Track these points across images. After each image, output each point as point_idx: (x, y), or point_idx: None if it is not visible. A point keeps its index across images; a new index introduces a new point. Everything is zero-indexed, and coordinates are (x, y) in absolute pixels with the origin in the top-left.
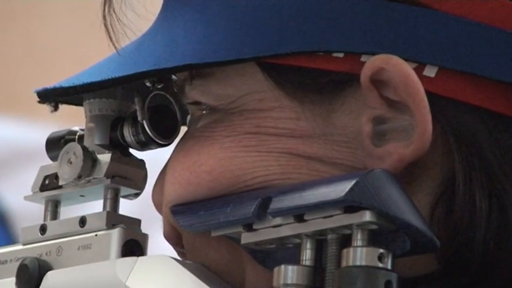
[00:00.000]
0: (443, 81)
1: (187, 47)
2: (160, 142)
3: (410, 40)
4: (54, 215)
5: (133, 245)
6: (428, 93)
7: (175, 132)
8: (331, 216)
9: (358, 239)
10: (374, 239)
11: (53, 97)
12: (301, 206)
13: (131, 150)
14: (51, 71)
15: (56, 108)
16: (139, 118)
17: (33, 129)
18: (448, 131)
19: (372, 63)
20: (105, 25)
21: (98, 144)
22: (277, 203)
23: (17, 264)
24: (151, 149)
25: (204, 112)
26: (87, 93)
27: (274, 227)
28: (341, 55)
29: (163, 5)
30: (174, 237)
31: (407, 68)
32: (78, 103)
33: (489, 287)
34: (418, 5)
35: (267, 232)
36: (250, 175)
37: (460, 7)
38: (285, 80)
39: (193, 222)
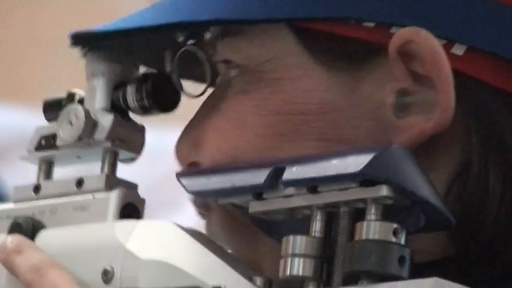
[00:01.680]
0: (470, 61)
1: (222, 3)
2: (162, 109)
3: (441, 17)
4: (48, 175)
5: (131, 209)
6: (455, 71)
7: (178, 101)
8: (346, 189)
9: (372, 213)
10: (388, 214)
11: (86, 41)
12: (316, 178)
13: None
14: (55, 60)
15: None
16: (167, 70)
17: (36, 116)
18: (469, 110)
19: (401, 34)
20: None
21: (99, 108)
22: (291, 174)
23: (8, 222)
24: (153, 114)
25: (233, 74)
26: (118, 39)
27: (285, 197)
28: (371, 25)
29: None
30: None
31: (435, 43)
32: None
33: (500, 268)
34: None
35: (278, 202)
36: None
37: None
38: (316, 46)
39: (201, 188)
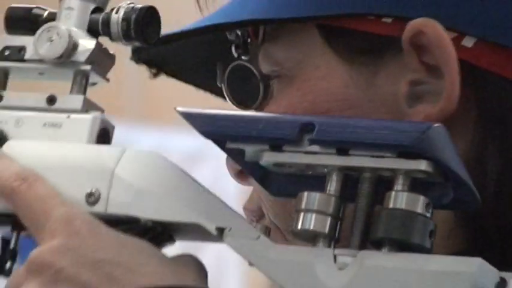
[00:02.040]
0: (480, 52)
1: (257, 9)
2: (144, 40)
3: (453, 11)
4: (4, 86)
5: (105, 134)
6: (465, 62)
7: (158, 35)
8: (382, 157)
9: (400, 183)
10: (414, 186)
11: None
12: (354, 142)
13: None
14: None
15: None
16: (218, 82)
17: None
18: (478, 99)
19: (411, 25)
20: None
21: (76, 30)
22: (323, 132)
23: None
24: (133, 44)
25: (271, 78)
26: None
27: (307, 153)
28: (389, 20)
29: None
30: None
31: (442, 32)
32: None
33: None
34: None
35: (297, 156)
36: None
37: None
38: (338, 42)
39: (211, 129)
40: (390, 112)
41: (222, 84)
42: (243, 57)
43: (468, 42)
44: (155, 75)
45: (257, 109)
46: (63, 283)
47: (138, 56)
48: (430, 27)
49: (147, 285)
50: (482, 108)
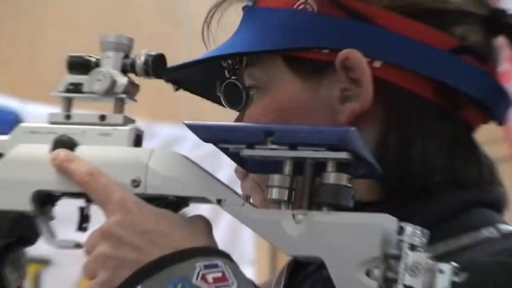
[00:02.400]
0: (385, 71)
1: (241, 45)
2: (156, 76)
3: (365, 44)
4: (70, 109)
5: (138, 139)
6: (376, 77)
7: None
8: (318, 150)
9: (331, 166)
10: (341, 166)
11: (166, 73)
12: (300, 142)
13: None
14: None
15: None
16: (217, 93)
17: None
18: (385, 101)
19: (341, 54)
20: (203, 35)
21: (114, 71)
22: (280, 137)
23: (47, 136)
24: (150, 78)
25: (251, 93)
26: (183, 69)
27: (271, 149)
28: (327, 51)
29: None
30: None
31: (360, 57)
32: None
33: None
34: (372, 23)
35: (263, 151)
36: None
37: (396, 25)
38: (295, 65)
39: (209, 135)
40: (328, 109)
41: (220, 94)
42: (232, 77)
43: (377, 64)
44: (176, 89)
45: (242, 110)
46: (123, 246)
47: (166, 78)
48: (353, 54)
49: (178, 247)
50: (387, 107)
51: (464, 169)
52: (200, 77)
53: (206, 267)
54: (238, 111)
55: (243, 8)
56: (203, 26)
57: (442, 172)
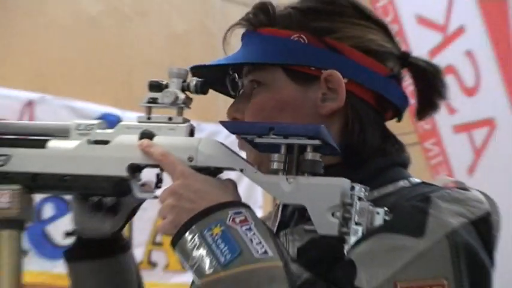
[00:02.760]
0: (349, 85)
1: (249, 55)
2: (203, 93)
3: (338, 67)
4: (150, 113)
5: (192, 132)
6: (347, 90)
7: (207, 91)
8: (300, 138)
9: (309, 149)
10: (316, 148)
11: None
12: (293, 134)
13: None
14: None
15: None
16: (229, 91)
17: None
18: (350, 104)
19: (326, 72)
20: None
21: (177, 90)
22: (278, 131)
23: (136, 130)
24: (198, 94)
25: (254, 87)
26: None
27: (273, 138)
28: (313, 68)
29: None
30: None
31: (338, 75)
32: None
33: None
34: (342, 55)
35: (269, 140)
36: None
37: (357, 57)
38: (291, 74)
39: (235, 130)
40: (312, 106)
41: (232, 91)
42: (239, 78)
43: (345, 80)
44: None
45: (238, 95)
46: (183, 200)
47: (193, 73)
48: (335, 73)
49: (217, 201)
50: (350, 108)
51: (387, 145)
52: (218, 79)
53: (235, 213)
54: (234, 96)
55: (246, 32)
56: (223, 41)
57: (377, 147)
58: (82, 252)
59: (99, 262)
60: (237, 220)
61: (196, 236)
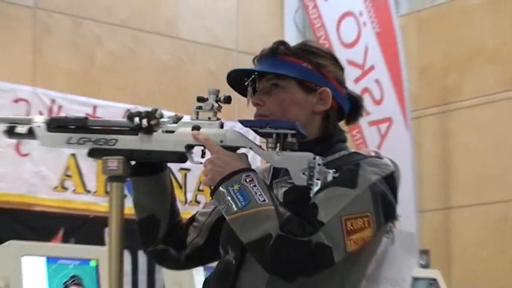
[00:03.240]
0: (331, 99)
1: (277, 69)
2: (228, 103)
3: (327, 86)
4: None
5: (222, 126)
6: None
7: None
8: (285, 129)
9: (289, 135)
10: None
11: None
12: (280, 127)
13: None
14: None
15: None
16: (251, 92)
17: None
18: (329, 109)
19: (322, 88)
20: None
21: (212, 102)
22: (272, 125)
23: (190, 125)
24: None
25: (273, 88)
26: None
27: (268, 129)
28: (314, 84)
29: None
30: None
31: (329, 92)
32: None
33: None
34: (328, 79)
35: (266, 130)
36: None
37: (334, 82)
38: (301, 85)
39: (247, 124)
40: (310, 105)
41: (250, 88)
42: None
43: (331, 98)
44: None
45: (254, 94)
46: (217, 166)
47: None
48: (327, 90)
49: (237, 167)
50: (330, 110)
51: (338, 130)
52: (241, 83)
53: (246, 176)
54: (245, 95)
55: (266, 57)
56: (253, 60)
57: (335, 131)
58: (139, 171)
59: (151, 177)
60: (247, 180)
61: (225, 190)
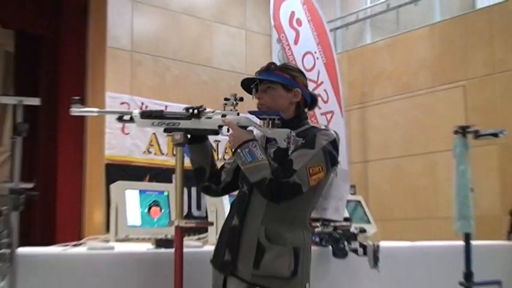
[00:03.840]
0: (300, 95)
1: (272, 77)
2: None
3: (299, 88)
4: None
5: (238, 114)
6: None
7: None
8: (273, 116)
9: (276, 120)
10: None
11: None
12: (271, 115)
13: None
14: None
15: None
16: (254, 91)
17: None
18: (300, 100)
19: (296, 89)
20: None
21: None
22: (266, 114)
23: (219, 115)
24: (240, 101)
25: (269, 86)
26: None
27: (263, 116)
28: (291, 87)
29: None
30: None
31: (299, 91)
32: None
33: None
34: (300, 84)
35: (262, 116)
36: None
37: (302, 86)
38: (285, 88)
39: (253, 113)
40: (289, 99)
41: (253, 89)
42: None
43: (300, 95)
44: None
45: (263, 94)
46: (235, 137)
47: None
48: (298, 90)
49: (247, 138)
50: (299, 101)
51: (304, 113)
52: (248, 85)
53: (252, 144)
54: (251, 92)
55: (263, 71)
56: (255, 73)
57: (302, 114)
58: (192, 141)
59: (199, 144)
60: (253, 146)
61: (240, 151)
